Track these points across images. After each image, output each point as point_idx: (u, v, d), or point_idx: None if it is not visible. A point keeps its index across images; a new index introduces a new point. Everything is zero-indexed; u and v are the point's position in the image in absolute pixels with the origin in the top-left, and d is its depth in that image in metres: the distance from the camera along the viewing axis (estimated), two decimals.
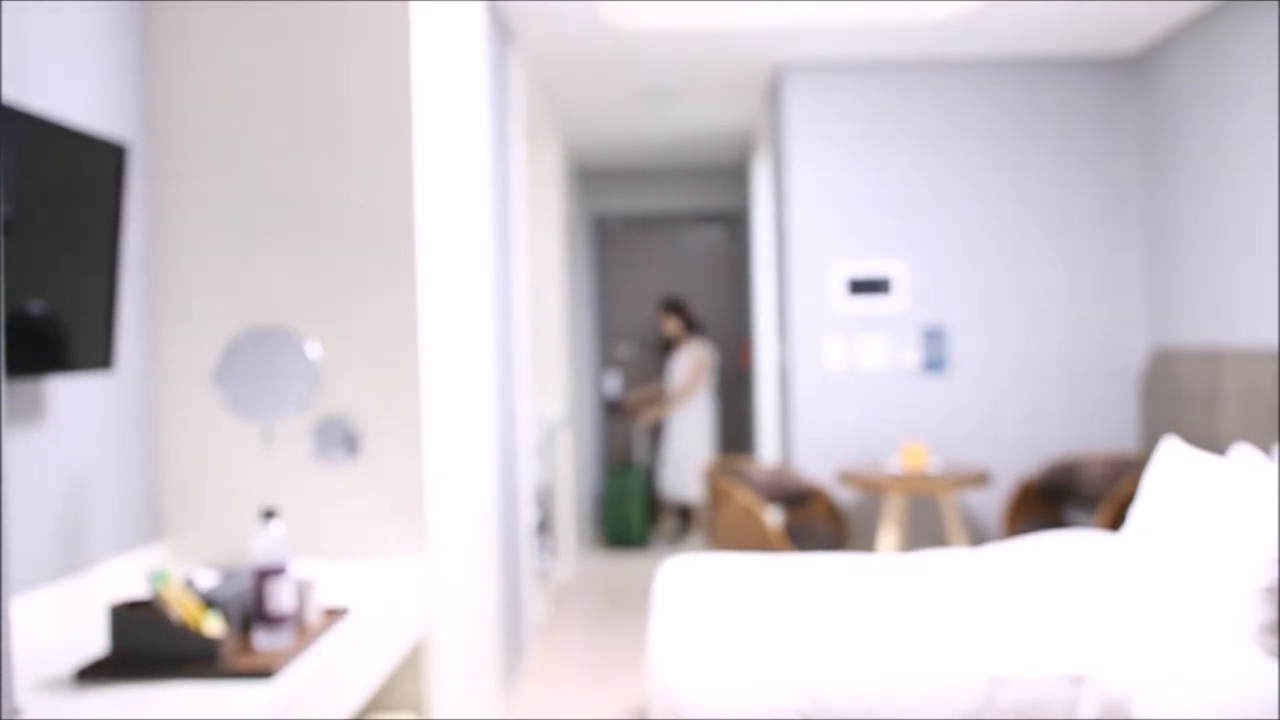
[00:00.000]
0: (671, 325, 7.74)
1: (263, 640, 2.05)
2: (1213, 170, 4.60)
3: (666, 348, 7.90)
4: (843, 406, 5.41)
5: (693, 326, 7.75)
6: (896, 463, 5.06)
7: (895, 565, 3.98)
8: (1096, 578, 3.56)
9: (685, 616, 3.34)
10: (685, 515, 7.98)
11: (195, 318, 2.82)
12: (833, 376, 5.41)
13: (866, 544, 5.34)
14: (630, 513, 7.67)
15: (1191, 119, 4.79)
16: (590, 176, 8.52)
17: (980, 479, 4.90)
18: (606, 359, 8.58)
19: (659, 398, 7.94)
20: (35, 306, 2.09)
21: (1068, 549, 3.91)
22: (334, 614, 2.27)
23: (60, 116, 2.29)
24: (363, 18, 2.81)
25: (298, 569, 2.54)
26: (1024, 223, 5.39)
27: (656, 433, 8.25)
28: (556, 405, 6.35)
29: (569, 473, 6.77)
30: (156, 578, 1.97)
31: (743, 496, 4.90)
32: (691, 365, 7.54)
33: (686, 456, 7.58)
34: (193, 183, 2.82)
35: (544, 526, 5.63)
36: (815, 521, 5.29)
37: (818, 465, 5.40)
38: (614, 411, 8.49)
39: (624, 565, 7.21)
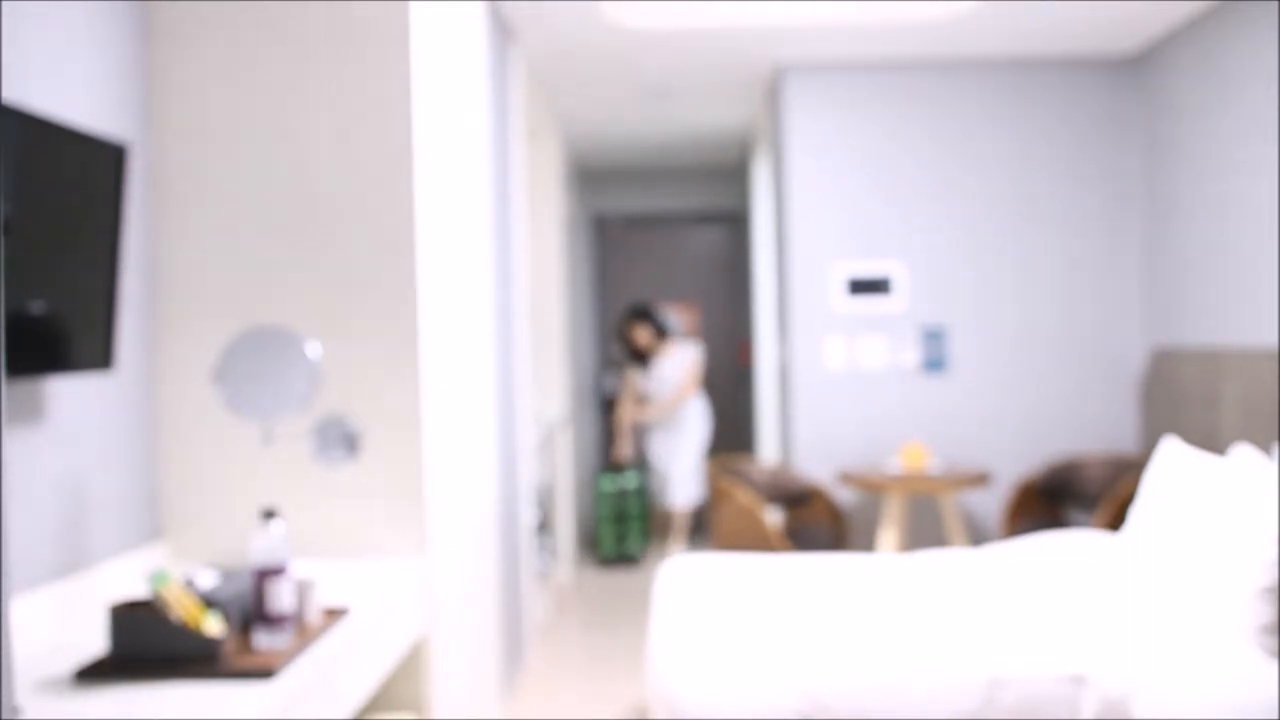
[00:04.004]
0: (643, 335, 7.12)
1: (263, 640, 2.05)
2: (1213, 170, 4.60)
3: (640, 358, 7.20)
4: (843, 406, 5.41)
5: (664, 332, 7.15)
6: (896, 463, 5.06)
7: (895, 565, 3.97)
8: (1096, 578, 3.56)
9: (685, 617, 3.34)
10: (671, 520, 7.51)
11: (195, 318, 2.82)
12: (833, 376, 5.41)
13: (866, 544, 5.34)
14: (628, 523, 7.27)
15: (1191, 119, 4.79)
16: (590, 176, 8.52)
17: (980, 479, 4.90)
18: (606, 359, 8.57)
19: (645, 406, 7.32)
20: (35, 306, 2.09)
21: (1068, 549, 3.91)
22: (334, 614, 2.27)
23: (60, 116, 2.29)
24: (363, 17, 2.81)
25: (298, 569, 2.54)
26: (1024, 223, 5.39)
27: (639, 440, 7.80)
28: (556, 405, 6.35)
29: (569, 473, 6.77)
30: (156, 578, 1.96)
31: (743, 496, 4.90)
32: (688, 366, 7.07)
33: (681, 461, 7.16)
34: (193, 183, 2.82)
35: (544, 526, 5.63)
36: (815, 521, 5.29)
37: (818, 465, 5.40)
38: (612, 412, 8.42)
39: (624, 566, 7.21)
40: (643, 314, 7.16)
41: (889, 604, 3.42)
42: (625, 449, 7.41)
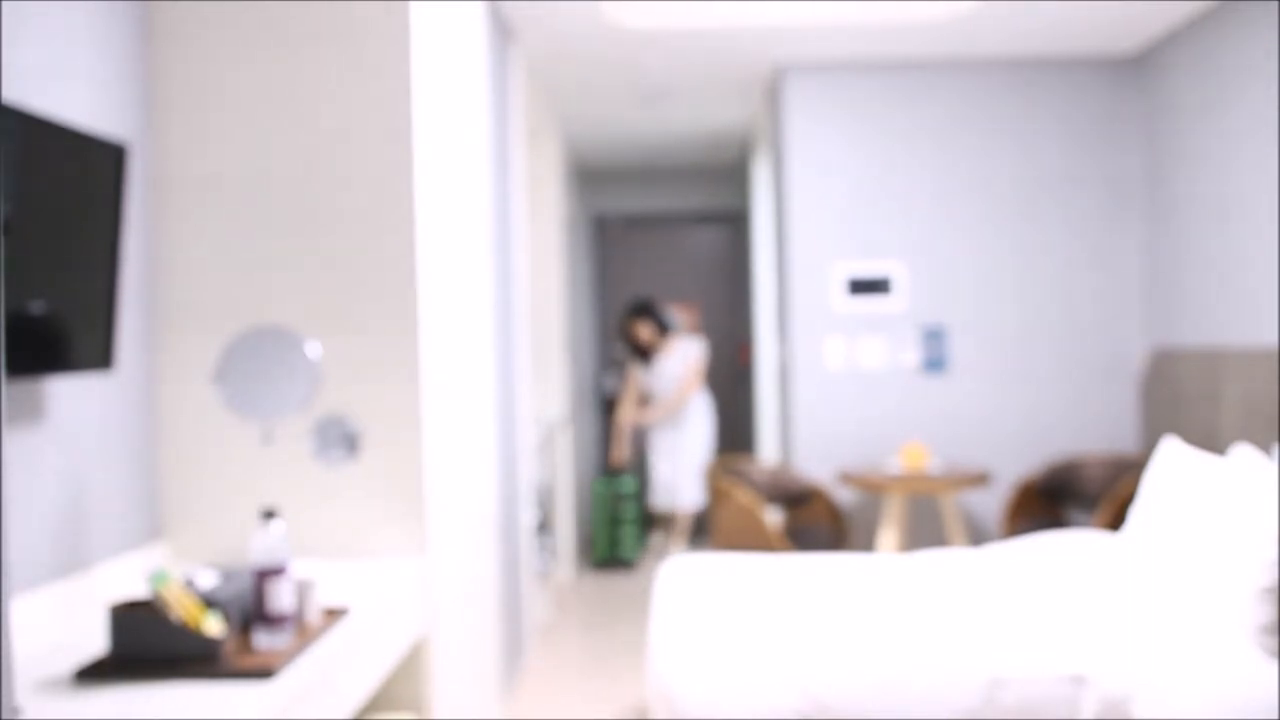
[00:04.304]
0: (645, 331, 7.00)
1: (263, 640, 2.05)
2: (1212, 170, 4.60)
3: (643, 355, 7.09)
4: (843, 406, 5.41)
5: (666, 328, 7.03)
6: (896, 463, 5.06)
7: (895, 565, 3.97)
8: (1096, 578, 3.56)
9: (685, 616, 3.34)
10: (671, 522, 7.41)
11: (195, 318, 2.82)
12: (833, 376, 5.41)
13: (866, 544, 5.35)
14: (623, 528, 7.15)
15: (1191, 119, 4.79)
16: (590, 176, 8.52)
17: (980, 479, 4.90)
18: (606, 359, 8.57)
19: (649, 404, 7.22)
20: (35, 306, 2.09)
21: (1068, 549, 3.91)
22: (334, 614, 2.27)
23: (60, 116, 2.29)
24: (363, 18, 2.81)
25: (298, 569, 2.54)
26: (1024, 223, 5.39)
27: (640, 441, 7.73)
28: (556, 405, 6.35)
29: (569, 473, 6.76)
30: (156, 578, 1.96)
31: (743, 496, 4.90)
32: (691, 361, 6.95)
33: (686, 461, 7.01)
34: (193, 183, 2.82)
35: (544, 526, 5.63)
36: (815, 521, 5.29)
37: (818, 465, 5.40)
38: (613, 412, 8.38)
39: (619, 570, 7.20)
40: (644, 310, 7.05)
41: (889, 604, 3.42)
42: (623, 452, 7.31)
